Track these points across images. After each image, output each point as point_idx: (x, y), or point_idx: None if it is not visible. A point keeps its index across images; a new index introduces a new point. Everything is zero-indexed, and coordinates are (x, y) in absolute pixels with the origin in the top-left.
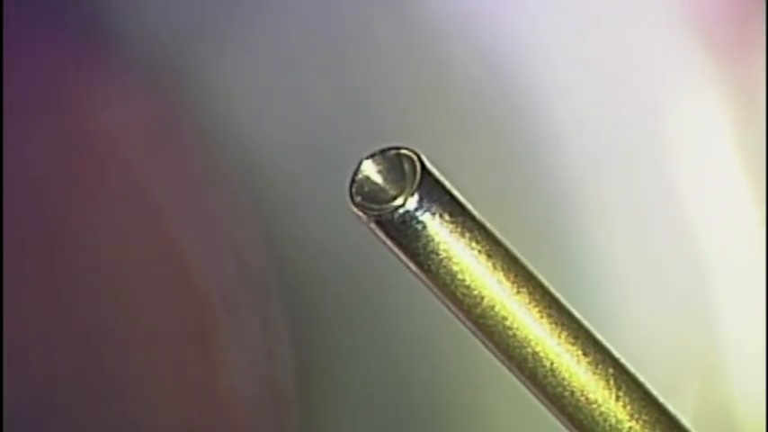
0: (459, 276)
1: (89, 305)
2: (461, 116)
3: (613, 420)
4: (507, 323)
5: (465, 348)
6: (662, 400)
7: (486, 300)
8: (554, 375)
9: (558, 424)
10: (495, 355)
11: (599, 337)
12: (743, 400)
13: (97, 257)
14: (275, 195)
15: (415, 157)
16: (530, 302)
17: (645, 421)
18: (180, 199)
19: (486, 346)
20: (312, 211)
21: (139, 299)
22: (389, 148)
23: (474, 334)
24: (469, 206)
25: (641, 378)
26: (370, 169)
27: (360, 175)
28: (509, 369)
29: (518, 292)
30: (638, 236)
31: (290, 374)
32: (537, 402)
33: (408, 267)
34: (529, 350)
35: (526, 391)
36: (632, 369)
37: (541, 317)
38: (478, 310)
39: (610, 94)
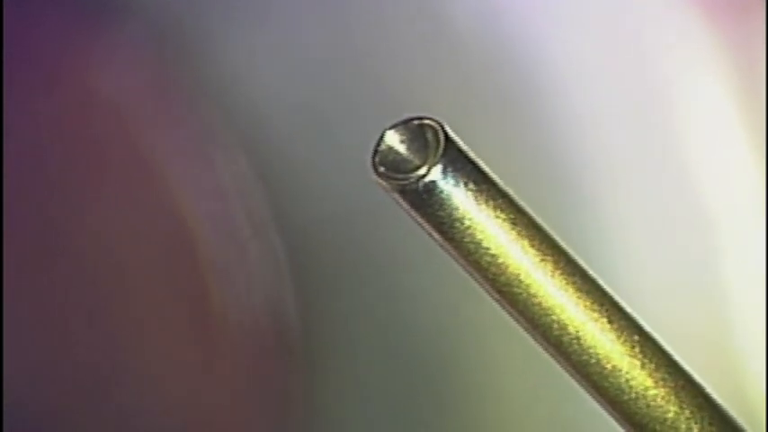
0: (484, 245)
1: (92, 280)
2: (473, 97)
3: (640, 388)
4: (532, 291)
5: (468, 287)
6: (687, 367)
7: (510, 268)
8: (579, 343)
9: (583, 391)
10: (520, 324)
11: (623, 304)
12: (749, 382)
13: (101, 229)
14: (278, 152)
15: (438, 127)
16: (554, 270)
17: (670, 388)
18: (183, 158)
19: (511, 315)
20: (313, 165)
21: (141, 253)
22: (412, 119)
23: (499, 303)
24: (493, 175)
25: (666, 345)
26: (392, 140)
27: (383, 146)
28: (534, 338)
29: (542, 261)
30: (644, 221)
31: (292, 319)
32: (544, 352)
33: (432, 237)
34: (554, 318)
35: (533, 342)
36: (657, 336)
37: (566, 285)
38: (503, 279)
39: (618, 75)
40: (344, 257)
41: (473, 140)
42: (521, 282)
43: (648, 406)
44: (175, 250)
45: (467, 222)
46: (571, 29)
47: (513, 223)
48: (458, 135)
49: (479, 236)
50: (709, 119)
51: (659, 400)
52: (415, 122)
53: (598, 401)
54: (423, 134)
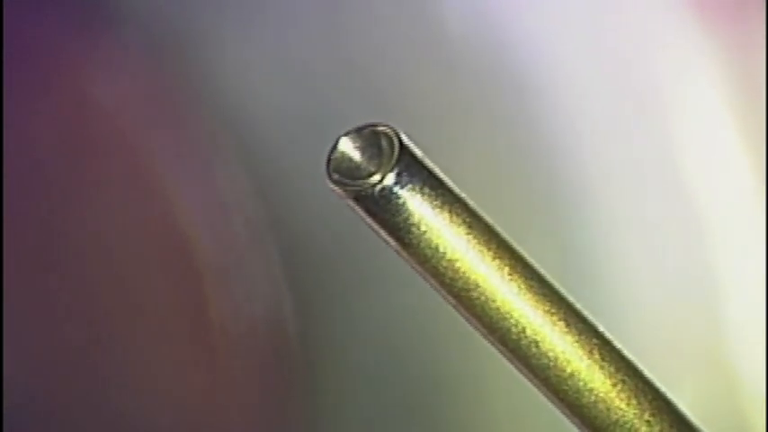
0: (440, 250)
1: (90, 283)
2: (466, 102)
3: (599, 391)
4: (488, 295)
5: None
6: (645, 370)
7: (467, 273)
8: (537, 347)
9: (543, 396)
10: (478, 329)
11: (581, 308)
12: (746, 386)
13: (95, 223)
14: (275, 160)
15: (392, 134)
16: (511, 275)
17: (629, 391)
18: (180, 165)
19: (468, 320)
20: (311, 174)
21: (139, 262)
22: (366, 126)
23: (455, 308)
24: (449, 181)
25: (623, 349)
26: (347, 146)
27: (336, 153)
28: (492, 343)
29: (499, 265)
30: (641, 225)
31: (289, 329)
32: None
33: (388, 243)
34: (511, 322)
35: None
36: (614, 340)
37: (523, 289)
38: (460, 284)
39: (612, 77)
40: (342, 265)
41: (465, 145)
42: (477, 286)
43: (608, 409)
44: (172, 257)
45: (422, 228)
46: (565, 30)
47: (470, 228)
48: (451, 140)
49: (435, 241)
50: (706, 123)
51: (618, 403)
52: (370, 129)
53: (557, 406)
54: (377, 141)
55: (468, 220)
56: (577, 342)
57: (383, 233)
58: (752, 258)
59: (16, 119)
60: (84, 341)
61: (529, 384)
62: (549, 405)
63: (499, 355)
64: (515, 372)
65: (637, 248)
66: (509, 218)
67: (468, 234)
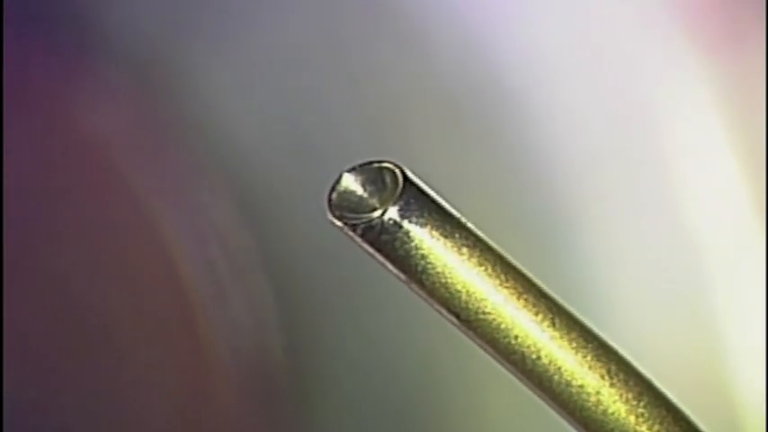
0: (449, 280)
1: (78, 300)
2: (456, 121)
3: (617, 407)
4: (501, 320)
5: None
6: (662, 387)
7: (476, 300)
8: (553, 368)
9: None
10: (492, 355)
11: (592, 326)
12: (743, 396)
13: (86, 253)
14: (262, 189)
15: (396, 169)
16: (522, 299)
17: (647, 407)
18: (168, 195)
19: (482, 347)
20: (298, 203)
21: (129, 291)
22: (370, 162)
23: (468, 335)
24: (455, 212)
25: (640, 367)
26: (350, 182)
27: (339, 188)
28: (505, 367)
29: (509, 290)
30: (636, 236)
31: (278, 359)
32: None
33: (397, 276)
34: (527, 346)
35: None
36: (630, 358)
37: (534, 315)
38: (470, 311)
39: (606, 93)
40: (331, 292)
41: (462, 170)
42: (488, 312)
43: (625, 425)
44: (159, 285)
45: (430, 258)
46: (562, 57)
47: (478, 256)
48: (443, 160)
49: (444, 271)
50: (703, 147)
51: (637, 420)
52: (374, 165)
53: (573, 425)
54: (381, 176)
55: (475, 248)
56: (593, 361)
57: (390, 266)
58: (748, 267)
59: (5, 146)
60: (78, 355)
61: (522, 395)
62: (543, 409)
63: (493, 369)
64: (509, 383)
65: (633, 264)
66: (508, 245)
67: (476, 262)
